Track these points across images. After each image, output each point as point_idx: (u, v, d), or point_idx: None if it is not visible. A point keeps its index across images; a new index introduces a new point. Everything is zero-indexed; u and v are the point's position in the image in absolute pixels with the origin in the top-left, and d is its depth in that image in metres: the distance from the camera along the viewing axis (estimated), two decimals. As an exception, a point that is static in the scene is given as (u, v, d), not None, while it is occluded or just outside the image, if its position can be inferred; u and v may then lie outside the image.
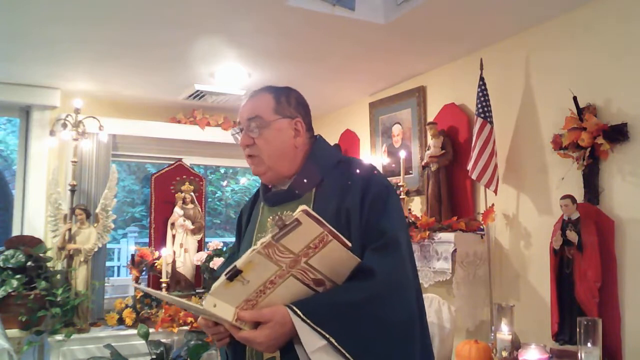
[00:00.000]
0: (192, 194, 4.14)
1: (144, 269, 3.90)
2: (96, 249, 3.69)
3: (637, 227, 2.34)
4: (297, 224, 1.10)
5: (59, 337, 3.34)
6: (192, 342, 3.36)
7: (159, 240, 4.08)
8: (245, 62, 3.34)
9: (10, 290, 3.24)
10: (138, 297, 3.78)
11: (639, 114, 2.34)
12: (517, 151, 2.92)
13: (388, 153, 3.89)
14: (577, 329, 2.13)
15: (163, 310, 3.64)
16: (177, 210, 4.06)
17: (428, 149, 3.29)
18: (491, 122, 2.87)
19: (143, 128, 4.10)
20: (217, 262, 3.79)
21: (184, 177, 4.17)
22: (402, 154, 3.57)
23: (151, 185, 4.20)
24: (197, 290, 3.96)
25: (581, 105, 2.51)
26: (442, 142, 3.22)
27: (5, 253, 3.37)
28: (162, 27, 2.79)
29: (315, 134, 1.55)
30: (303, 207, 1.11)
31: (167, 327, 3.58)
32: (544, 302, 2.63)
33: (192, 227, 4.06)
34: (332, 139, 4.30)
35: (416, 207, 3.61)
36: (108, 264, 5.24)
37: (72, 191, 3.69)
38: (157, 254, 3.93)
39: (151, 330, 3.48)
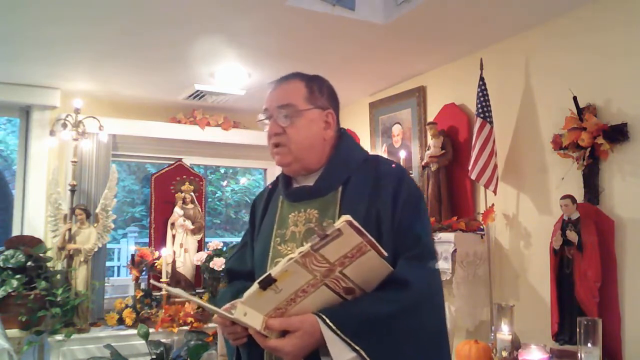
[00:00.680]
0: (192, 194, 4.14)
1: (144, 269, 3.90)
2: (96, 249, 3.68)
3: (637, 227, 2.34)
4: (338, 234, 1.07)
5: (59, 337, 3.34)
6: (192, 342, 3.36)
7: (159, 240, 4.08)
8: (245, 62, 3.34)
9: (10, 290, 3.24)
10: (138, 297, 3.78)
11: (639, 114, 2.34)
12: (517, 151, 2.92)
13: (388, 153, 3.89)
14: (577, 329, 2.12)
15: (163, 310, 3.64)
16: (177, 210, 4.06)
17: (428, 149, 3.29)
18: (491, 122, 2.87)
19: (143, 128, 4.09)
20: (217, 262, 3.79)
21: (184, 177, 4.17)
22: (402, 154, 3.56)
23: (151, 185, 4.20)
24: (197, 290, 3.96)
25: (581, 105, 2.51)
26: (442, 142, 3.22)
27: (5, 253, 3.37)
28: (162, 27, 2.79)
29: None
30: (347, 217, 1.07)
31: (167, 327, 3.57)
32: (544, 302, 2.63)
33: (192, 227, 4.06)
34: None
35: (416, 207, 3.60)
36: (108, 264, 5.24)
37: (72, 191, 3.69)
38: (157, 254, 3.93)
39: (151, 330, 3.48)
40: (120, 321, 3.64)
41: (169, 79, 3.66)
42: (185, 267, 3.98)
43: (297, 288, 1.13)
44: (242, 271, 1.53)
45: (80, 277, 3.57)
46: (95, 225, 3.71)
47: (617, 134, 2.38)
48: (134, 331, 3.44)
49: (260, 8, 2.56)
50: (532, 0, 2.53)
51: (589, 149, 2.45)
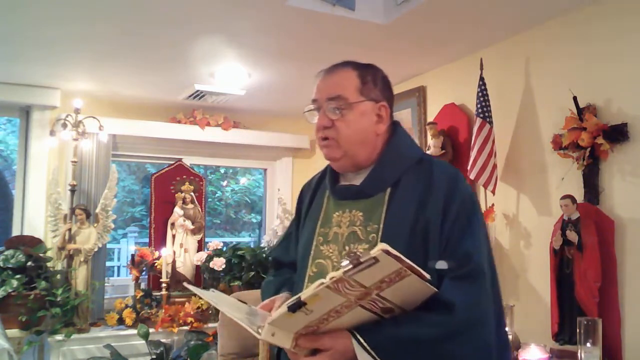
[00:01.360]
0: (192, 194, 4.14)
1: (144, 269, 3.90)
2: (96, 249, 3.69)
3: (637, 227, 2.34)
4: (374, 262, 0.98)
5: (59, 337, 3.34)
6: (192, 342, 3.36)
7: (159, 240, 4.08)
8: (245, 62, 3.34)
9: (10, 290, 3.24)
10: (138, 297, 3.78)
11: (639, 114, 2.34)
12: (517, 151, 2.92)
13: (388, 153, 3.88)
14: (577, 329, 2.12)
15: (163, 310, 3.64)
16: (177, 210, 4.06)
17: (428, 149, 3.29)
18: (490, 122, 2.87)
19: (143, 128, 4.09)
20: (217, 262, 3.79)
21: (184, 177, 4.17)
22: (402, 154, 3.56)
23: (151, 185, 4.20)
24: (197, 290, 3.96)
25: (581, 105, 2.51)
26: (442, 142, 3.22)
27: (5, 253, 3.37)
28: (162, 27, 2.79)
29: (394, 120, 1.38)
30: (383, 246, 0.97)
31: (167, 327, 3.57)
32: (544, 302, 2.63)
33: (192, 227, 4.06)
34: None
35: (416, 207, 3.60)
36: (108, 264, 5.24)
37: (72, 191, 3.69)
38: (157, 254, 3.93)
39: (151, 330, 3.48)
40: (120, 321, 3.64)
41: (169, 79, 3.66)
42: (185, 267, 3.98)
43: (329, 309, 1.06)
44: (287, 261, 1.50)
45: (80, 277, 3.57)
46: (95, 225, 3.71)
47: (617, 134, 2.38)
48: (134, 331, 3.44)
49: (261, 8, 2.56)
50: (532, 0, 2.53)
51: (589, 149, 2.45)
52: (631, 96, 2.37)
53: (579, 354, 2.10)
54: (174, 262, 3.93)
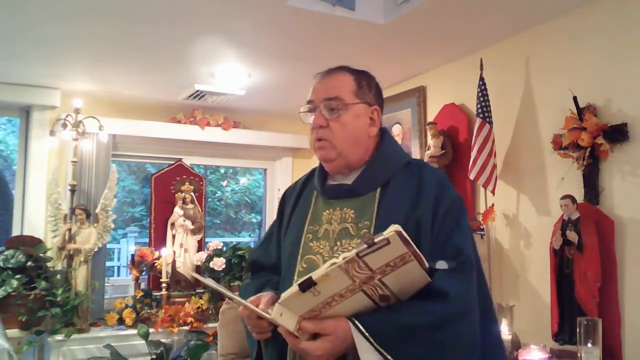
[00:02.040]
0: (192, 194, 4.14)
1: (144, 269, 3.90)
2: (96, 249, 3.69)
3: (637, 227, 2.34)
4: (386, 243, 1.05)
5: (59, 337, 3.34)
6: (192, 342, 3.36)
7: (159, 240, 4.08)
8: (245, 62, 3.34)
9: (10, 290, 3.25)
10: (138, 297, 3.78)
11: (639, 114, 2.34)
12: (517, 151, 2.92)
13: (388, 153, 3.88)
14: (577, 329, 2.12)
15: (163, 310, 3.64)
16: (177, 210, 4.06)
17: (428, 149, 3.29)
18: (490, 123, 2.87)
19: (143, 128, 4.09)
20: (217, 262, 3.79)
21: (184, 177, 4.17)
22: (402, 154, 3.56)
23: (151, 185, 4.20)
24: (197, 291, 3.96)
25: (581, 105, 2.51)
26: (442, 142, 3.22)
27: (5, 253, 3.38)
28: (162, 27, 2.79)
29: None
30: (397, 227, 1.04)
31: (167, 327, 3.58)
32: (544, 302, 2.63)
33: (192, 227, 4.06)
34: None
35: (416, 207, 3.60)
36: (108, 264, 5.24)
37: (72, 191, 3.69)
38: (157, 254, 3.93)
39: (151, 330, 3.48)
40: (120, 321, 3.65)
41: (169, 79, 3.66)
42: (185, 267, 3.98)
43: (335, 292, 1.12)
44: (267, 263, 1.51)
45: (80, 277, 3.57)
46: (95, 225, 3.71)
47: (617, 134, 2.38)
48: (134, 331, 3.44)
49: (261, 8, 2.56)
50: (532, 0, 2.53)
51: (589, 149, 2.45)
52: (631, 96, 2.37)
53: (579, 354, 2.10)
54: (174, 262, 3.93)
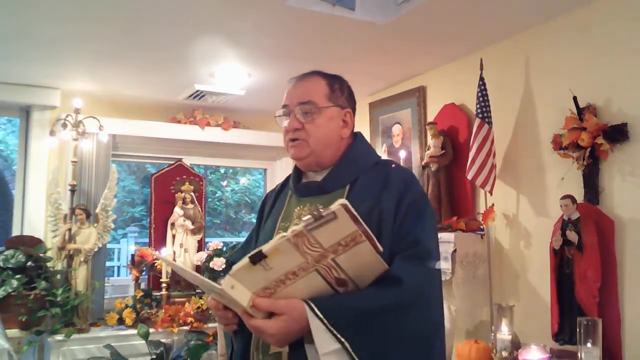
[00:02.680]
0: (192, 194, 4.14)
1: (144, 269, 3.90)
2: (96, 249, 3.68)
3: (637, 227, 2.34)
4: (333, 217, 1.06)
5: (59, 337, 3.34)
6: (192, 342, 3.36)
7: (159, 240, 4.08)
8: (245, 62, 3.34)
9: (10, 290, 3.24)
10: (138, 297, 3.78)
11: (639, 114, 2.34)
12: (517, 151, 2.92)
13: (388, 153, 3.89)
14: (577, 329, 2.13)
15: (163, 310, 3.64)
16: (177, 210, 4.06)
17: (428, 149, 3.29)
18: (489, 123, 2.87)
19: (143, 128, 4.09)
20: (217, 262, 3.79)
21: (184, 177, 4.17)
22: (402, 154, 3.57)
23: (151, 185, 4.20)
24: (197, 291, 3.96)
25: (581, 105, 2.51)
26: (442, 142, 3.22)
27: (5, 253, 3.37)
28: (162, 27, 2.79)
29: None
30: (343, 201, 1.06)
31: (167, 327, 3.57)
32: (544, 302, 2.63)
33: (192, 227, 4.06)
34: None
35: (416, 207, 3.60)
36: (108, 264, 5.24)
37: (72, 191, 3.69)
38: (157, 254, 3.93)
39: (151, 330, 3.48)
40: (120, 321, 3.64)
41: (169, 79, 3.66)
42: (185, 267, 3.98)
43: (287, 270, 1.12)
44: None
45: (80, 277, 3.57)
46: (95, 225, 3.71)
47: (617, 134, 2.38)
48: (134, 331, 3.44)
49: (260, 8, 2.56)
50: (532, 0, 2.53)
51: (589, 149, 2.45)
52: (631, 96, 2.37)
53: (579, 354, 2.10)
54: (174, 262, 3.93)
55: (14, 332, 3.25)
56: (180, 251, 4.01)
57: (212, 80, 3.61)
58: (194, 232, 4.08)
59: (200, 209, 4.18)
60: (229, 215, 9.23)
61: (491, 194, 2.90)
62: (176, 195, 4.11)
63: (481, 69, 2.92)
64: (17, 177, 3.97)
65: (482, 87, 2.90)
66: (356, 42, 3.00)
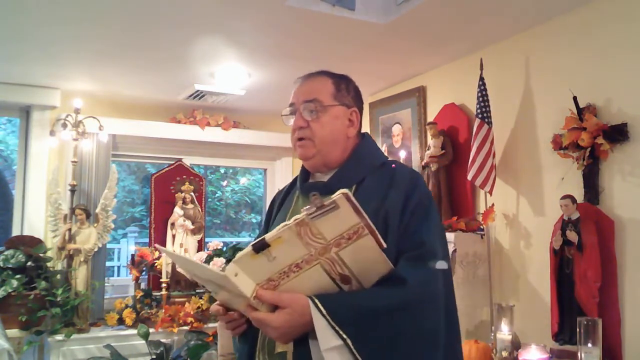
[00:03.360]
0: (192, 194, 4.14)
1: (144, 269, 3.90)
2: (96, 249, 3.68)
3: (637, 227, 2.34)
4: (334, 206, 1.06)
5: (59, 337, 3.34)
6: (192, 342, 3.36)
7: (159, 240, 4.08)
8: (245, 62, 3.34)
9: (10, 290, 3.24)
10: (138, 297, 3.78)
11: (639, 114, 2.34)
12: (517, 151, 2.92)
13: (388, 153, 3.88)
14: (577, 329, 2.12)
15: (163, 310, 3.64)
16: (177, 210, 4.06)
17: (428, 149, 3.29)
18: (489, 123, 2.87)
19: (143, 128, 4.09)
20: (217, 262, 3.79)
21: (184, 177, 4.17)
22: (402, 154, 3.57)
23: (151, 185, 4.20)
24: (197, 291, 3.96)
25: (581, 105, 2.51)
26: (442, 142, 3.22)
27: (5, 253, 3.37)
28: (162, 27, 2.79)
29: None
30: (344, 190, 1.06)
31: (167, 327, 3.57)
32: (544, 302, 2.63)
33: (192, 227, 4.06)
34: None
35: (416, 207, 3.60)
36: (108, 264, 5.24)
37: (72, 191, 3.69)
38: (157, 254, 3.93)
39: (151, 330, 3.48)
40: (120, 321, 3.64)
41: (169, 79, 3.66)
42: (184, 255, 3.97)
43: (291, 261, 1.11)
44: None
45: (80, 277, 3.57)
46: (95, 225, 3.71)
47: (617, 134, 2.38)
48: (134, 331, 3.44)
49: (260, 8, 2.56)
50: (532, 0, 2.53)
51: (589, 149, 2.45)
52: (631, 96, 2.37)
53: (579, 354, 2.10)
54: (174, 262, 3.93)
55: (14, 332, 3.25)
56: (180, 251, 4.01)
57: (212, 80, 3.61)
58: (194, 232, 4.08)
59: (200, 209, 4.18)
60: (229, 215, 9.23)
61: (490, 194, 2.90)
62: (176, 195, 4.11)
63: (481, 69, 2.92)
64: (17, 177, 3.97)
65: (482, 87, 2.90)
66: (356, 42, 3.00)
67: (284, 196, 1.57)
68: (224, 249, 4.03)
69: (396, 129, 3.83)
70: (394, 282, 1.19)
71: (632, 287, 2.34)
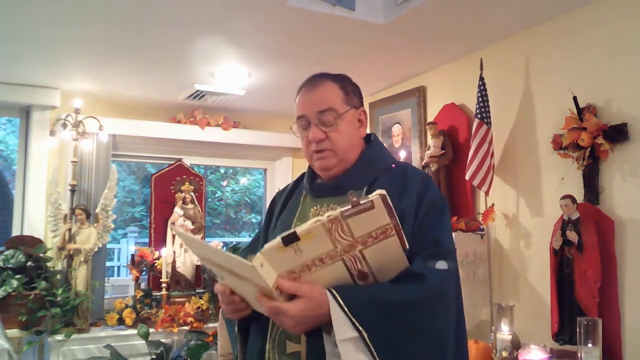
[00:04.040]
0: (192, 194, 4.14)
1: (144, 269, 3.90)
2: (96, 249, 3.68)
3: (637, 227, 2.34)
4: (370, 206, 1.06)
5: (59, 337, 3.34)
6: (192, 342, 3.36)
7: (159, 240, 4.08)
8: (245, 62, 3.34)
9: (10, 290, 3.24)
10: (138, 297, 3.78)
11: (639, 114, 2.34)
12: (517, 151, 2.92)
13: (388, 153, 3.88)
14: (577, 329, 2.13)
15: (163, 310, 3.64)
16: (177, 210, 4.06)
17: (428, 149, 3.29)
18: (487, 123, 2.87)
19: (143, 128, 4.09)
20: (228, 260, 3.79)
21: (184, 177, 4.17)
22: (402, 154, 3.56)
23: (151, 185, 4.20)
24: (197, 290, 3.96)
25: (581, 105, 2.51)
26: (442, 142, 3.22)
27: (5, 253, 3.37)
28: (162, 27, 2.79)
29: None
30: (381, 192, 1.07)
31: (167, 327, 3.57)
32: (544, 302, 2.63)
33: (192, 227, 4.06)
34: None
35: (416, 207, 3.60)
36: (108, 264, 5.24)
37: (72, 191, 3.69)
38: (157, 254, 3.93)
39: (151, 330, 3.48)
40: (120, 321, 3.64)
41: (169, 79, 3.66)
42: (185, 267, 3.98)
43: (315, 255, 1.12)
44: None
45: (80, 277, 3.57)
46: (95, 225, 3.71)
47: (617, 134, 2.38)
48: (134, 331, 3.44)
49: (261, 8, 2.56)
50: (532, 0, 2.53)
51: (589, 149, 2.45)
52: (631, 96, 2.37)
53: (579, 354, 2.10)
54: (174, 262, 3.93)
55: (14, 332, 3.25)
56: (180, 251, 4.00)
57: (212, 80, 3.61)
58: (194, 232, 4.08)
59: (200, 209, 4.18)
60: (229, 215, 9.23)
61: (487, 195, 2.90)
62: (176, 195, 4.10)
63: (481, 69, 2.92)
64: (17, 177, 3.97)
65: (482, 87, 2.90)
66: (356, 42, 3.00)
67: (287, 196, 1.55)
68: (224, 248, 4.03)
69: (396, 129, 3.83)
70: (412, 278, 1.19)
71: (632, 287, 2.34)
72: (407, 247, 1.16)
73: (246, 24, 2.75)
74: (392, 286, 1.19)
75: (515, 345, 2.33)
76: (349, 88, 1.44)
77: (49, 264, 3.51)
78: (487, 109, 2.89)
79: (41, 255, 3.47)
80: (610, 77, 2.45)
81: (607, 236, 2.40)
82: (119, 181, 4.14)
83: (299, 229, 1.09)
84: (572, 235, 2.43)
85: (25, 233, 3.71)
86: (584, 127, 2.45)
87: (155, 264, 3.87)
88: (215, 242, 4.10)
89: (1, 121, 7.84)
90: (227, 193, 9.19)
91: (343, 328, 1.13)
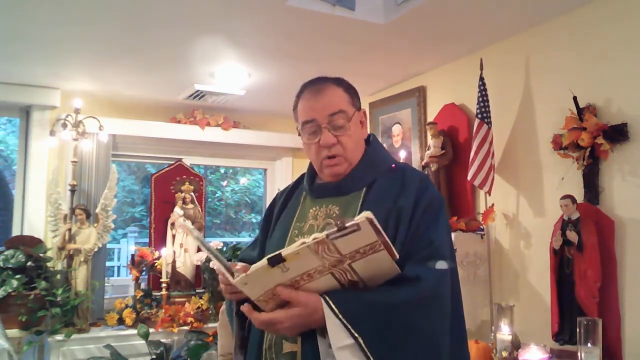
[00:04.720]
0: (192, 194, 4.14)
1: (144, 269, 3.90)
2: (96, 249, 3.68)
3: (637, 227, 2.34)
4: (357, 229, 1.07)
5: (59, 337, 3.34)
6: (192, 342, 3.36)
7: (159, 240, 4.08)
8: (245, 62, 3.34)
9: (10, 290, 3.24)
10: (138, 297, 3.78)
11: (639, 114, 2.34)
12: (517, 151, 2.92)
13: (388, 153, 3.88)
14: (577, 329, 2.13)
15: (163, 310, 3.64)
16: (177, 210, 4.06)
17: (428, 149, 3.29)
18: (488, 123, 2.87)
19: (143, 128, 4.09)
20: (217, 262, 3.79)
21: (184, 177, 4.17)
22: (402, 154, 3.56)
23: (151, 185, 4.20)
24: (197, 290, 3.96)
25: (581, 105, 2.51)
26: (442, 142, 3.22)
27: (5, 253, 3.37)
28: (162, 27, 2.79)
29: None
30: (368, 214, 1.06)
31: (167, 327, 3.57)
32: (544, 302, 2.63)
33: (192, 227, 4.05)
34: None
35: (416, 207, 3.60)
36: (108, 264, 5.24)
37: (72, 191, 3.69)
38: (157, 254, 3.93)
39: (151, 330, 3.48)
40: (120, 321, 3.64)
41: (169, 79, 3.66)
42: (185, 267, 3.98)
43: (303, 271, 1.13)
44: (249, 260, 1.53)
45: (80, 277, 3.57)
46: (95, 225, 3.71)
47: (617, 134, 2.38)
48: (134, 331, 3.44)
49: (261, 8, 2.56)
50: (532, 0, 2.53)
51: (589, 149, 2.45)
52: (631, 96, 2.37)
53: (579, 354, 2.10)
54: (174, 262, 3.93)
55: (14, 332, 3.25)
56: (180, 251, 4.00)
57: (212, 80, 3.61)
58: (193, 232, 4.07)
59: (200, 209, 4.18)
60: (229, 215, 9.23)
61: (489, 194, 2.90)
62: (176, 195, 4.11)
63: (481, 69, 2.92)
64: (17, 177, 3.97)
65: (482, 87, 2.90)
66: (356, 42, 3.00)
67: (287, 196, 1.55)
68: (224, 249, 4.03)
69: (396, 129, 3.83)
70: (405, 281, 1.19)
71: (632, 287, 2.34)
72: (397, 257, 1.15)
73: (246, 24, 2.75)
74: (386, 290, 1.19)
75: (515, 345, 2.33)
76: (352, 90, 1.45)
77: (49, 264, 3.51)
78: (487, 109, 2.89)
79: (41, 255, 3.47)
80: (610, 77, 2.45)
81: (607, 236, 2.40)
82: (119, 181, 4.14)
83: (285, 252, 1.10)
84: (572, 235, 2.43)
85: (25, 233, 3.71)
86: (584, 127, 2.45)
87: (155, 264, 3.87)
88: (215, 242, 4.10)
89: (1, 121, 7.84)
90: (227, 193, 9.18)
91: (339, 336, 1.13)
